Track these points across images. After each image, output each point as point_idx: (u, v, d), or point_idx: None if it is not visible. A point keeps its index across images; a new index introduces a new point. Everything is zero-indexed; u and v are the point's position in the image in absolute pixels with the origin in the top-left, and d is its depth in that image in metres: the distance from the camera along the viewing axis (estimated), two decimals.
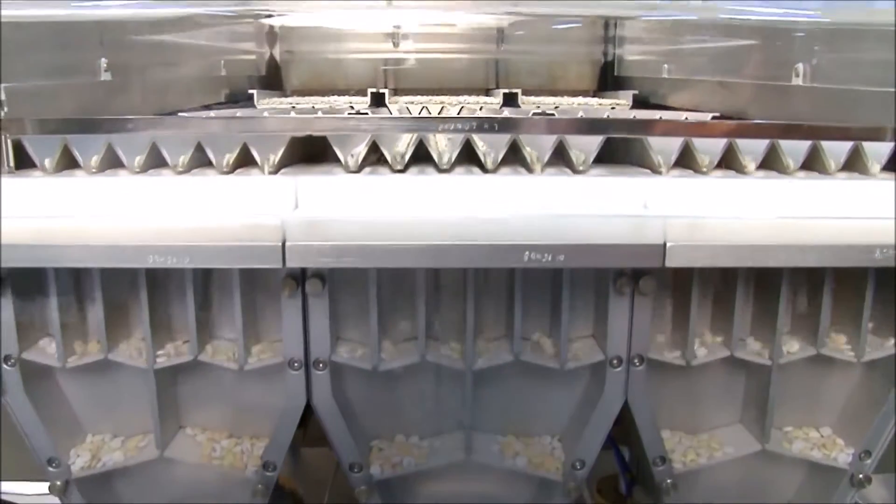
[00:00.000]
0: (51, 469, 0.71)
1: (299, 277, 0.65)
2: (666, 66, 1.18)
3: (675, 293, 0.71)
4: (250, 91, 1.21)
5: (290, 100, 1.26)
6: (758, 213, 0.61)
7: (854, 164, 0.66)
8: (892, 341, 0.70)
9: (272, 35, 1.36)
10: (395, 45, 1.27)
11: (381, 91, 1.14)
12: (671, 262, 0.58)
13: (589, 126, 0.67)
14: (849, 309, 0.70)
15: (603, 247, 0.58)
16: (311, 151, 0.71)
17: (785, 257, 0.59)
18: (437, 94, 1.27)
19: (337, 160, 0.67)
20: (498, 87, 1.31)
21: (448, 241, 0.57)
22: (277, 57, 1.41)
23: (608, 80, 1.40)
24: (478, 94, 1.33)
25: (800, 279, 0.70)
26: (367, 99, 1.15)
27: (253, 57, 1.39)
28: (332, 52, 1.37)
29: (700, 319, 0.71)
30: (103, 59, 0.85)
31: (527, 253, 0.57)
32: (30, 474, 0.78)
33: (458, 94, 1.29)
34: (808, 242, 0.59)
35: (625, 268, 0.64)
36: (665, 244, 0.58)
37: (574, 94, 1.37)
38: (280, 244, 0.57)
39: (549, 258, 0.57)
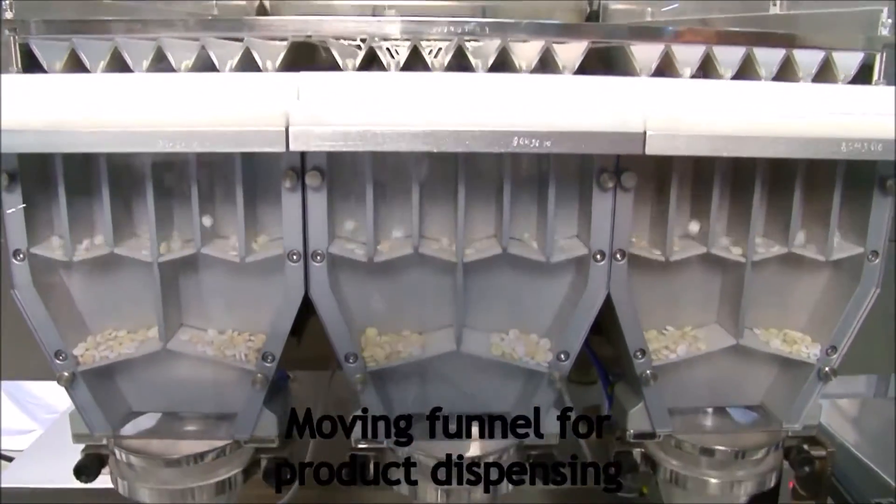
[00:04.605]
0: (58, 362, 0.74)
1: (300, 170, 0.67)
2: (649, 9, 1.21)
3: (655, 192, 0.75)
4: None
5: None
6: (733, 109, 0.65)
7: (825, 74, 0.70)
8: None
9: None
10: None
11: None
12: (651, 150, 0.61)
13: (575, 32, 0.71)
14: (819, 211, 0.74)
15: (587, 134, 0.61)
16: (308, 64, 0.74)
17: (757, 147, 0.62)
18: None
19: (336, 69, 0.70)
20: None
21: (443, 127, 0.60)
22: (266, 4, 1.42)
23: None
24: None
25: (774, 179, 0.74)
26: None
27: (243, 3, 1.40)
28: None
29: (679, 218, 0.74)
30: None
31: (516, 138, 0.60)
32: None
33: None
34: (780, 134, 0.63)
35: (607, 163, 0.68)
36: (645, 133, 0.61)
37: None
38: (284, 129, 0.60)
39: (537, 143, 0.60)
